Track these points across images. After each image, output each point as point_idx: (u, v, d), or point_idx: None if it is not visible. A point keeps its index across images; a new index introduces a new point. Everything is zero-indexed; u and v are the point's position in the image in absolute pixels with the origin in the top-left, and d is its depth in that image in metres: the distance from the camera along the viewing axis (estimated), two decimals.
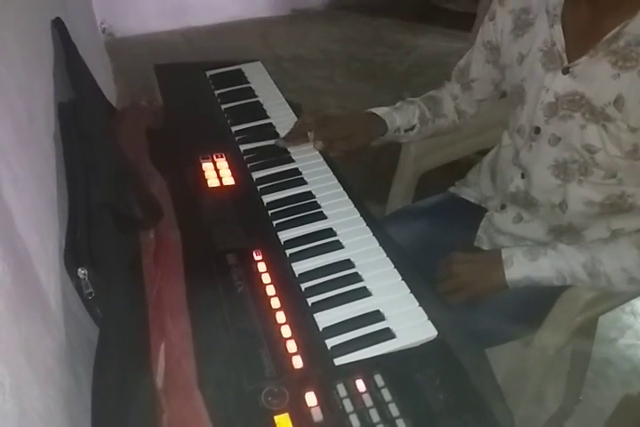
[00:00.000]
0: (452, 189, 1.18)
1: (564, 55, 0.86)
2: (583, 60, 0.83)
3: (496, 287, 0.89)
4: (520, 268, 0.87)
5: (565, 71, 0.86)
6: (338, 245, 0.78)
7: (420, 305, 0.69)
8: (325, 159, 0.95)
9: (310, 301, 0.70)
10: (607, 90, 0.81)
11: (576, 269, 0.85)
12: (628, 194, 0.88)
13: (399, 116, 1.06)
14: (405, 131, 1.07)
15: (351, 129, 1.01)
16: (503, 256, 0.88)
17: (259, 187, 0.88)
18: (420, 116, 1.08)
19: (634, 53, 0.78)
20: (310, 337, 0.65)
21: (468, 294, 0.90)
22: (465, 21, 2.23)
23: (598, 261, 0.84)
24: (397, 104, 1.09)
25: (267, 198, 0.86)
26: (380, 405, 0.58)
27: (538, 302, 0.93)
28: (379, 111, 1.05)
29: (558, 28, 0.86)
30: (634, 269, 0.83)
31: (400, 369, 0.62)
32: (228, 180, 0.89)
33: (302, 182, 0.89)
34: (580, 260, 0.85)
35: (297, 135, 0.98)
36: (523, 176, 0.98)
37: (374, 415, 0.57)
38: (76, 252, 0.67)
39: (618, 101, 0.80)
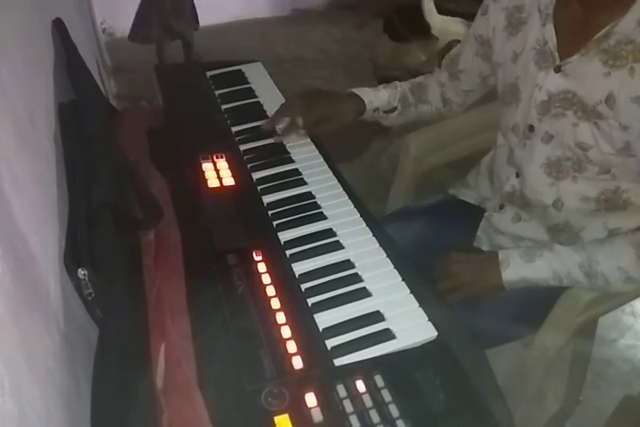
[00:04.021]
0: (451, 190, 1.18)
1: (556, 54, 0.87)
2: (575, 59, 0.84)
3: (493, 288, 0.89)
4: (516, 269, 0.87)
5: (557, 70, 0.87)
6: (338, 246, 0.78)
7: (419, 306, 0.69)
8: (325, 159, 0.95)
9: (310, 301, 0.70)
10: (598, 88, 0.82)
11: (572, 270, 0.85)
12: (622, 189, 0.89)
13: (379, 97, 1.07)
14: (385, 112, 1.08)
15: (334, 110, 1.03)
16: (500, 258, 0.89)
17: (259, 187, 0.88)
18: (402, 99, 1.09)
19: (624, 52, 0.79)
20: (310, 338, 0.65)
21: (465, 294, 0.90)
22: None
23: (595, 261, 0.84)
24: (379, 86, 1.10)
25: (267, 199, 0.86)
26: (380, 405, 0.58)
27: (538, 302, 0.93)
28: (358, 91, 1.07)
29: (550, 27, 0.87)
30: (630, 268, 0.83)
31: (400, 370, 0.62)
32: (228, 180, 0.89)
33: (302, 183, 0.89)
34: (576, 260, 0.85)
35: (281, 121, 0.99)
36: (517, 175, 0.98)
37: (374, 416, 0.57)
38: (76, 252, 0.67)
39: (609, 100, 0.81)
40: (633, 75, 0.78)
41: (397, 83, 1.12)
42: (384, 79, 1.21)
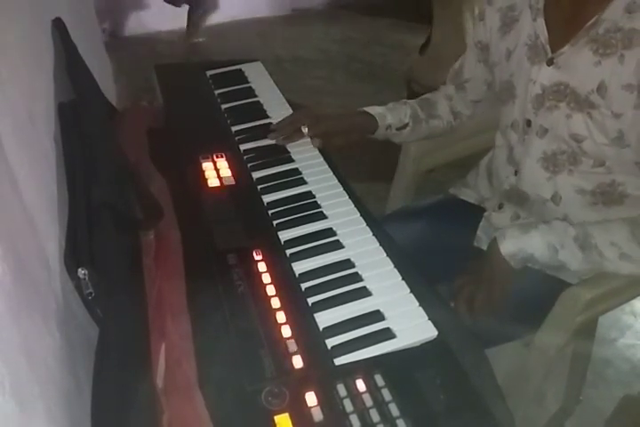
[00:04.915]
0: (451, 190, 1.18)
1: (548, 47, 0.88)
2: (565, 50, 0.85)
3: (500, 267, 0.86)
4: (512, 240, 0.85)
5: (550, 62, 0.88)
6: (338, 245, 0.78)
7: (420, 305, 0.69)
8: (325, 159, 0.95)
9: (310, 300, 0.70)
10: (590, 77, 0.82)
11: (567, 241, 0.84)
12: (617, 182, 0.89)
13: (390, 114, 1.07)
14: (397, 129, 1.08)
15: (343, 126, 1.03)
16: (497, 234, 0.87)
17: (259, 187, 0.88)
18: (413, 116, 1.09)
19: (613, 40, 0.80)
20: (310, 337, 0.65)
21: (483, 291, 0.87)
22: None
23: (589, 235, 0.84)
24: (389, 104, 1.10)
25: (267, 198, 0.86)
26: (381, 405, 0.58)
27: (538, 302, 0.93)
28: (369, 109, 1.06)
29: (541, 21, 0.88)
30: (624, 244, 0.83)
31: (400, 369, 0.62)
32: (229, 179, 0.89)
33: (302, 182, 0.89)
34: (571, 233, 0.84)
35: (289, 131, 0.99)
36: (516, 173, 0.99)
37: (374, 415, 0.57)
38: (76, 252, 0.67)
39: (600, 88, 0.81)
40: (623, 62, 0.79)
41: (406, 100, 1.12)
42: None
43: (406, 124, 1.08)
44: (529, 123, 0.93)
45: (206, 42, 3.31)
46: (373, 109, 1.06)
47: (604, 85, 0.81)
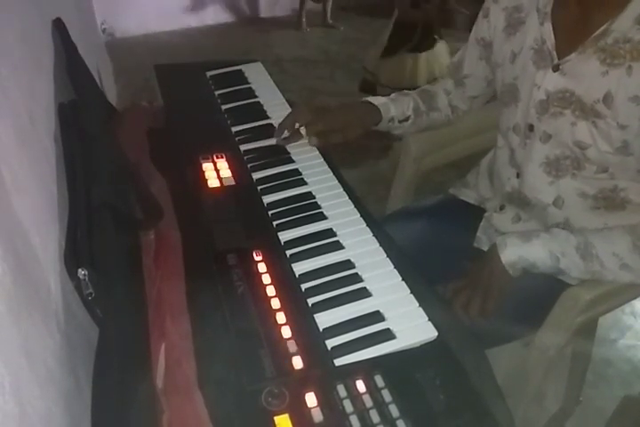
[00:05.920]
0: (451, 190, 1.18)
1: (554, 53, 0.87)
2: (572, 57, 0.84)
3: (499, 275, 0.87)
4: (513, 248, 0.86)
5: (555, 68, 0.87)
6: (338, 246, 0.78)
7: (420, 306, 0.69)
8: (326, 160, 0.95)
9: (310, 301, 0.70)
10: (596, 87, 0.82)
11: (568, 251, 0.85)
12: (620, 188, 0.89)
13: (394, 107, 1.06)
14: (400, 121, 1.08)
15: (345, 120, 1.01)
16: (498, 242, 0.88)
17: (259, 187, 0.88)
18: (415, 108, 1.09)
19: (621, 51, 0.79)
20: (310, 338, 0.65)
21: (479, 298, 0.87)
22: (466, 22, 2.23)
23: (591, 244, 0.84)
24: (392, 95, 1.09)
25: (267, 199, 0.86)
26: (381, 405, 0.58)
27: (538, 302, 0.93)
28: (374, 100, 1.05)
29: (548, 26, 0.87)
30: (625, 254, 0.83)
31: (400, 370, 0.62)
32: (229, 180, 0.89)
33: (302, 183, 0.89)
34: (572, 242, 0.85)
35: (289, 129, 0.98)
36: (518, 176, 0.98)
37: (374, 416, 0.57)
38: (76, 252, 0.67)
39: (607, 98, 0.81)
40: (630, 73, 0.78)
41: (408, 91, 1.11)
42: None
43: (408, 117, 1.08)
44: (531, 127, 0.93)
45: (207, 42, 3.31)
46: (377, 100, 1.05)
47: (610, 96, 0.80)
